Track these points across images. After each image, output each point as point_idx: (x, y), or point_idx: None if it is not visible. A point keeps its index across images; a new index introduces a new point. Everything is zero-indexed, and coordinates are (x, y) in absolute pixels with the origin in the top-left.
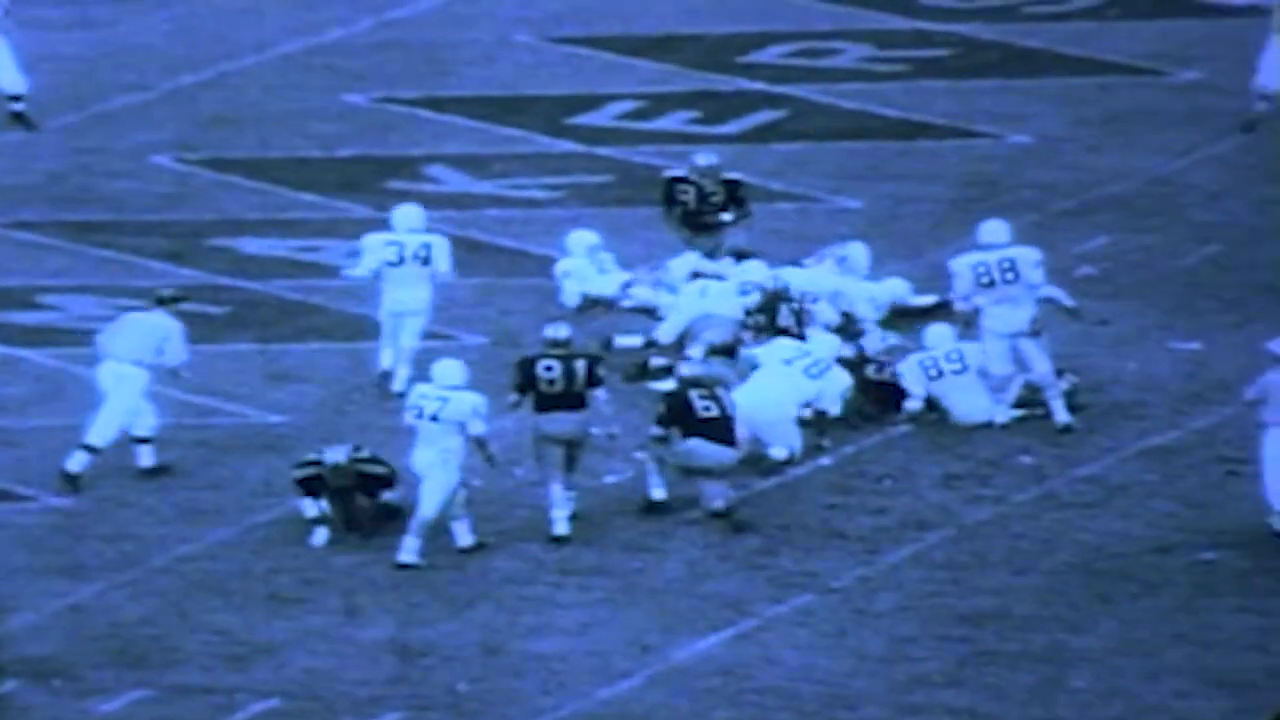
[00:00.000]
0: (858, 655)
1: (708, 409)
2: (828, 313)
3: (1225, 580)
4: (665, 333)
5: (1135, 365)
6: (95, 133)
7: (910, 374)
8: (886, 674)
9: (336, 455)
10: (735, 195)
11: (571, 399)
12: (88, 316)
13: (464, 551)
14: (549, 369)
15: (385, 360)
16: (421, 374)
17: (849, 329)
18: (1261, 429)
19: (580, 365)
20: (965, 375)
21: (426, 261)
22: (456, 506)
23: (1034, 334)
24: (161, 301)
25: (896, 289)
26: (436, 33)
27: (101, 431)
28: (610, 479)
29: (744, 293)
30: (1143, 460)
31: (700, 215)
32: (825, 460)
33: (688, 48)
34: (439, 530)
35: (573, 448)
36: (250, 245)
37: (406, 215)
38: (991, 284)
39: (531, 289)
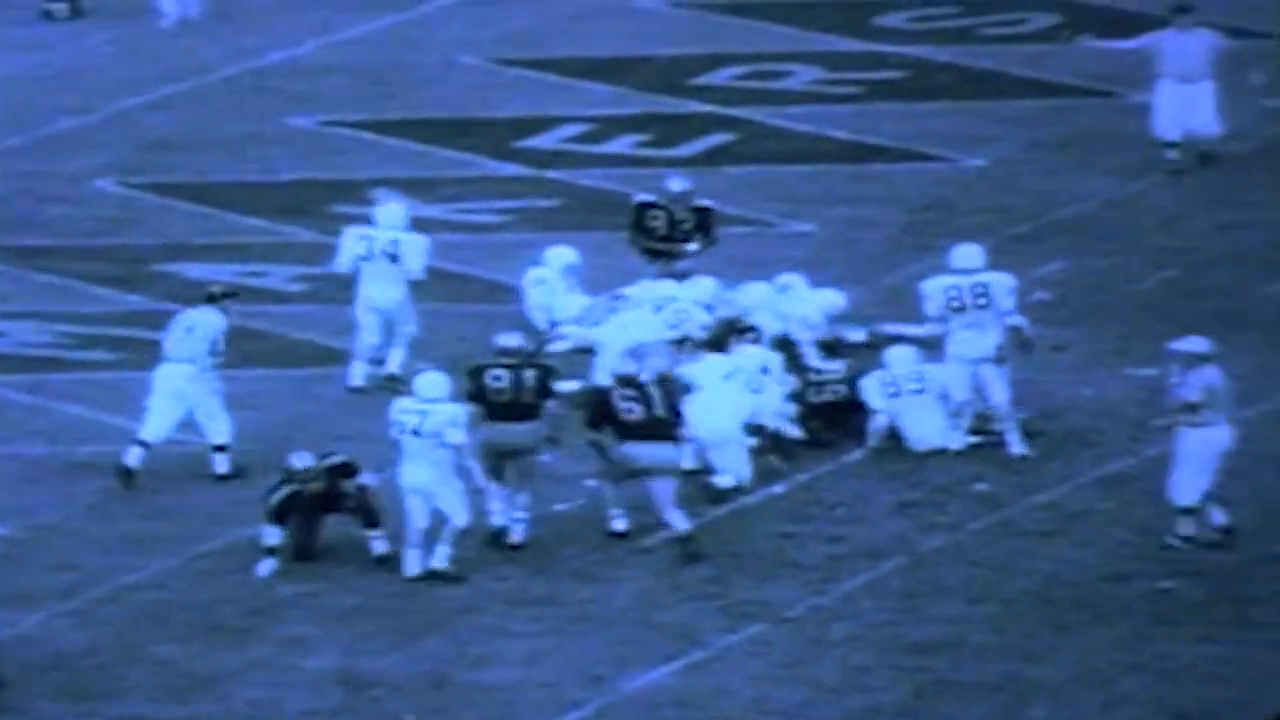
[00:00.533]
0: (812, 685)
1: (630, 411)
2: (772, 325)
3: (1183, 609)
4: (602, 378)
5: (1091, 392)
6: (37, 157)
7: (872, 391)
8: (841, 704)
9: (303, 460)
10: (705, 223)
11: (521, 409)
12: (30, 343)
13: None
14: (498, 378)
15: (355, 377)
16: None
17: (788, 353)
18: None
19: (530, 375)
20: (924, 396)
21: (395, 259)
22: (414, 533)
23: (998, 361)
24: (212, 299)
25: (831, 300)
26: (382, 55)
27: (156, 427)
28: (560, 507)
29: (659, 309)
30: (1099, 488)
31: (668, 241)
32: (778, 488)
33: (638, 70)
34: (388, 561)
35: (521, 459)
36: (195, 270)
37: (387, 212)
38: (962, 308)
39: (479, 315)
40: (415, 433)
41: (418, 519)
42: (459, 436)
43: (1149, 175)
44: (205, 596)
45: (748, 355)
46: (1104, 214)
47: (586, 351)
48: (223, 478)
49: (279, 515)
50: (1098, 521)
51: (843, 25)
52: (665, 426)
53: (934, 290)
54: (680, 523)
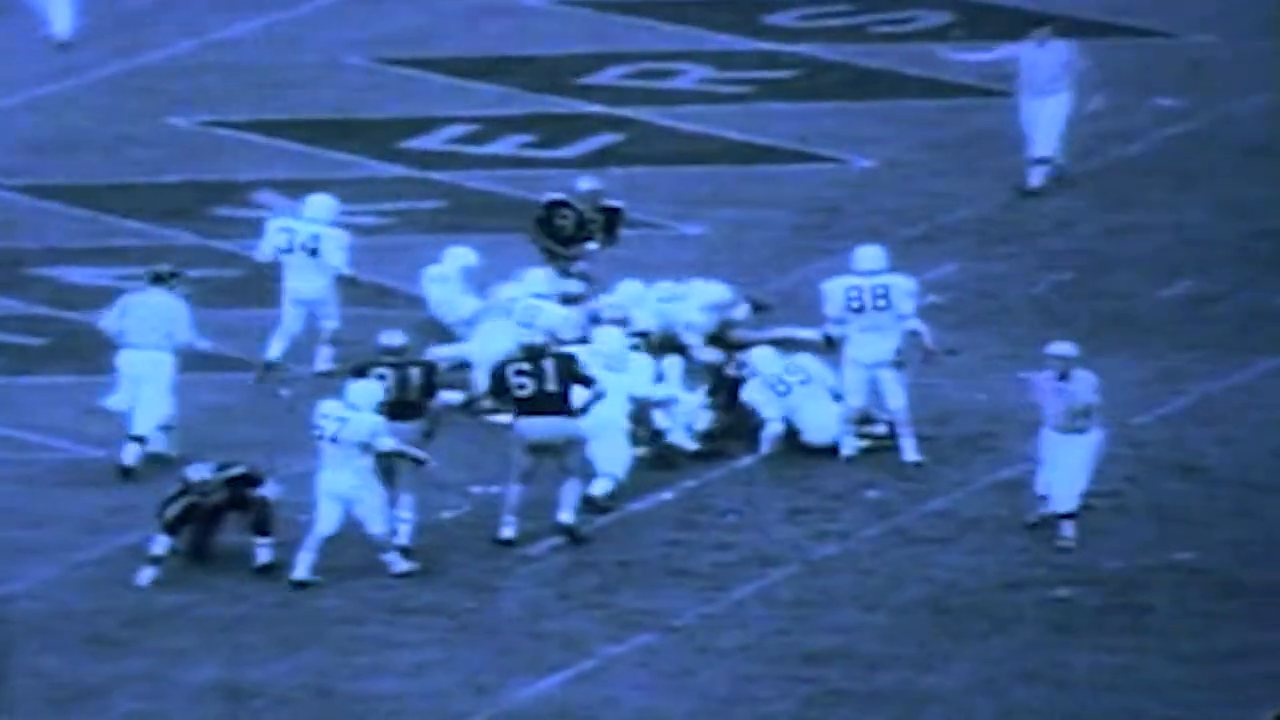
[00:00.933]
0: (701, 696)
1: (522, 387)
2: (648, 322)
3: (1079, 618)
4: (483, 392)
5: (985, 396)
6: None
7: (759, 397)
8: (730, 715)
9: (199, 472)
10: (612, 223)
11: (405, 409)
12: None
13: (400, 576)
14: (381, 377)
15: (273, 350)
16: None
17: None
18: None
19: (415, 373)
20: (812, 385)
21: (314, 253)
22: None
23: (897, 365)
24: (159, 279)
25: (716, 294)
26: (263, 54)
27: (145, 420)
28: (447, 514)
29: (527, 324)
30: (993, 494)
31: (573, 243)
32: (666, 494)
33: (523, 69)
34: (270, 569)
35: (407, 460)
36: (72, 274)
37: (313, 204)
38: (861, 309)
39: (361, 318)
40: (333, 439)
41: (326, 525)
42: (389, 443)
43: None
44: (84, 607)
45: (604, 337)
46: (997, 216)
47: (463, 367)
48: (126, 471)
49: (172, 527)
50: (992, 528)
51: (732, 23)
52: (555, 400)
53: (834, 291)
54: (567, 516)
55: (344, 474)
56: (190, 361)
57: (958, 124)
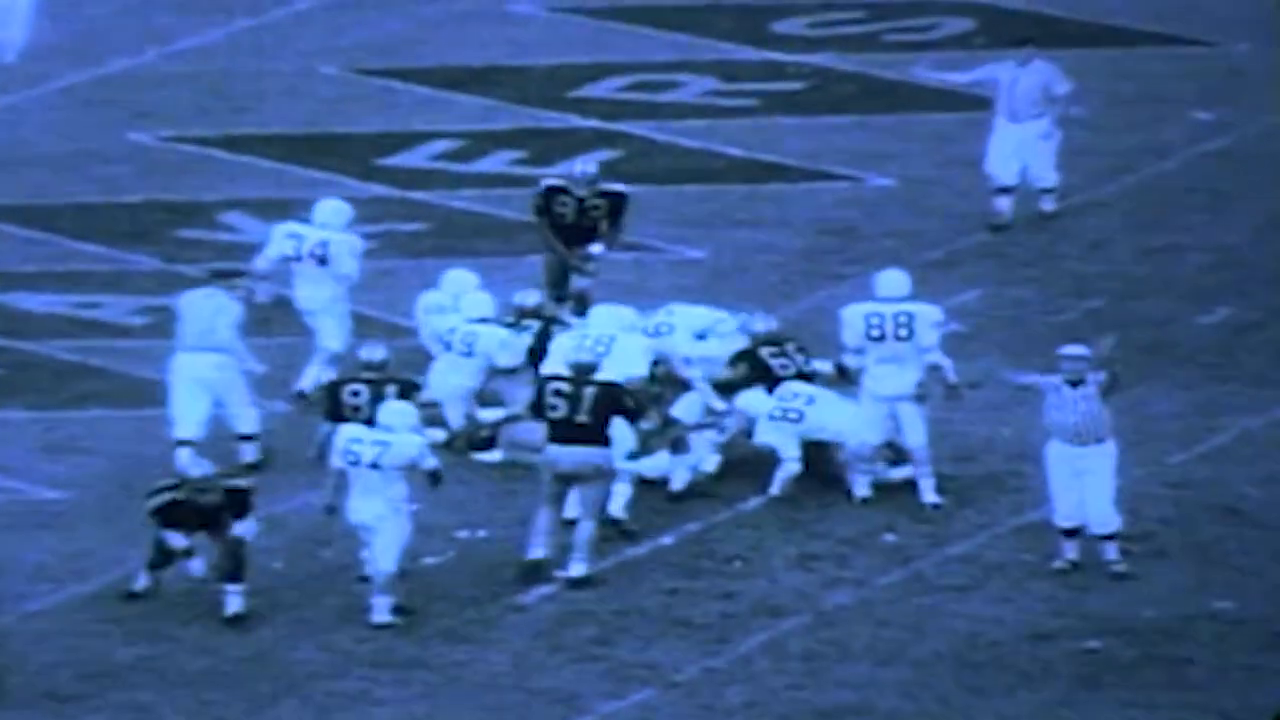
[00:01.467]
0: None
1: (554, 409)
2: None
3: (1109, 671)
4: (461, 429)
5: (1009, 432)
6: None
7: (774, 438)
8: None
9: (202, 468)
10: (616, 209)
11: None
12: None
13: (382, 626)
14: (356, 394)
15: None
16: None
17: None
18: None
19: (391, 390)
20: (818, 399)
21: (324, 261)
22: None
23: (919, 399)
24: (219, 276)
25: (701, 319)
26: (232, 64)
27: (188, 425)
28: (430, 560)
29: (467, 354)
30: (1018, 538)
31: (577, 230)
32: (667, 539)
33: (513, 81)
34: (241, 620)
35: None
36: (25, 301)
37: (323, 209)
38: (882, 338)
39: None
40: (375, 465)
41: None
42: (433, 463)
43: (1072, 195)
44: (40, 660)
45: (601, 318)
46: (1022, 239)
47: (432, 405)
48: (252, 466)
49: (165, 521)
50: (1017, 575)
51: (737, 32)
52: (586, 431)
53: (853, 317)
54: (578, 569)
55: (375, 501)
56: (142, 395)
57: (979, 139)
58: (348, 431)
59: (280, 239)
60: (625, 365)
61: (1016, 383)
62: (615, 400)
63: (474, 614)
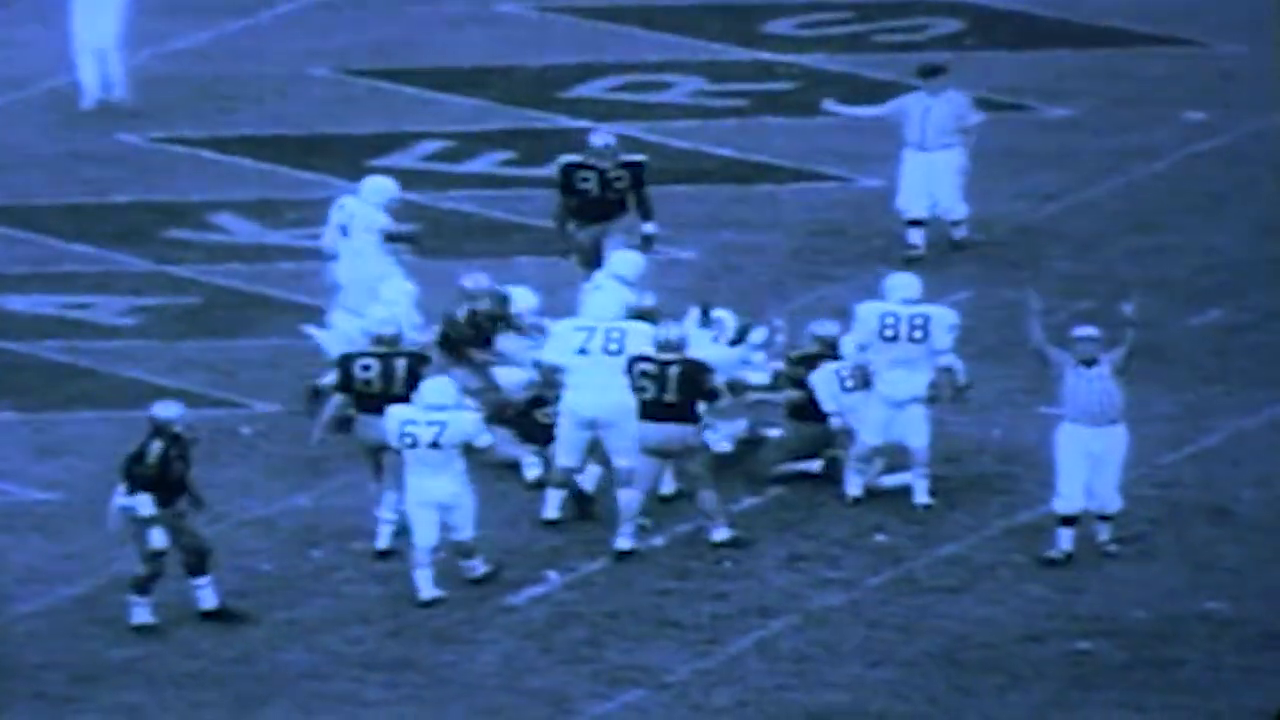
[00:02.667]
0: None
1: (644, 390)
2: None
3: (1101, 672)
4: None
5: (1000, 433)
6: None
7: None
8: None
9: (169, 410)
10: (638, 179)
11: (392, 401)
12: None
13: (478, 581)
14: (366, 368)
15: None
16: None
17: None
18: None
19: (400, 364)
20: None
21: (345, 233)
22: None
23: (929, 401)
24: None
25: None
26: (222, 65)
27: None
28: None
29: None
30: (1010, 539)
31: (602, 204)
32: (657, 540)
33: (502, 81)
34: (219, 616)
35: (391, 454)
36: (14, 302)
37: (367, 185)
38: (895, 338)
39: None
40: (435, 444)
41: (428, 536)
42: (487, 439)
43: (1064, 196)
44: (27, 662)
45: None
46: (1014, 239)
47: None
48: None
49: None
50: (1008, 576)
51: (726, 32)
52: (674, 409)
53: (868, 315)
54: (721, 534)
55: (443, 480)
56: (132, 396)
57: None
58: (399, 413)
59: (335, 210)
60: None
61: (1033, 344)
62: (700, 380)
63: (463, 615)
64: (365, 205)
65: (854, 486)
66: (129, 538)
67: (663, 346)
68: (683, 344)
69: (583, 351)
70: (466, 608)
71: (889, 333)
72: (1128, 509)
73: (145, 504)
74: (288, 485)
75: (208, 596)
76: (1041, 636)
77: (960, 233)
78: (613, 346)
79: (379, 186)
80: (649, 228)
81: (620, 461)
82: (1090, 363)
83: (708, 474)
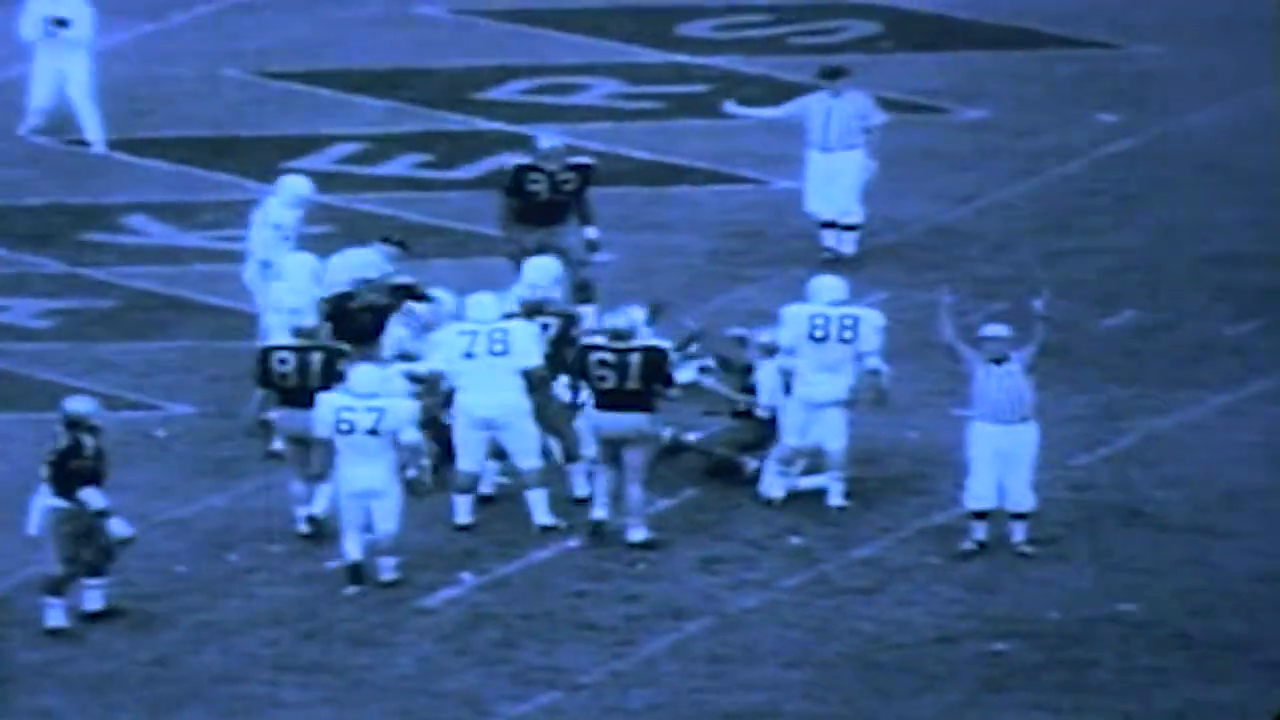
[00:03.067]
0: None
1: (602, 379)
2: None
3: (1015, 674)
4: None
5: (915, 435)
6: None
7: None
8: None
9: (82, 404)
10: (586, 181)
11: (309, 394)
12: None
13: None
14: (283, 361)
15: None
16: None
17: None
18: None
19: (315, 358)
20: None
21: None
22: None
23: (849, 404)
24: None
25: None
26: (135, 68)
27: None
28: (332, 564)
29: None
30: (924, 540)
31: (551, 207)
32: (571, 542)
33: (417, 83)
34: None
35: (316, 448)
36: None
37: (281, 185)
38: (825, 339)
39: (245, 352)
40: (372, 431)
41: (358, 523)
42: (415, 435)
43: (977, 198)
44: None
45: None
46: (928, 240)
47: None
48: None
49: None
50: (923, 578)
51: (642, 34)
52: (635, 397)
53: (796, 316)
54: (638, 534)
55: (376, 469)
56: (47, 398)
57: (884, 141)
58: (332, 400)
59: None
60: (524, 357)
61: (945, 340)
62: (663, 365)
63: (379, 618)
64: (283, 207)
65: (774, 488)
66: (51, 539)
67: (616, 335)
68: (634, 332)
69: (469, 355)
70: (382, 610)
71: (819, 334)
72: (1041, 510)
73: (95, 497)
74: (203, 487)
75: (95, 598)
76: (956, 638)
77: (850, 245)
78: (497, 347)
79: (289, 184)
80: (591, 232)
81: (524, 463)
82: (1000, 361)
83: (648, 469)
